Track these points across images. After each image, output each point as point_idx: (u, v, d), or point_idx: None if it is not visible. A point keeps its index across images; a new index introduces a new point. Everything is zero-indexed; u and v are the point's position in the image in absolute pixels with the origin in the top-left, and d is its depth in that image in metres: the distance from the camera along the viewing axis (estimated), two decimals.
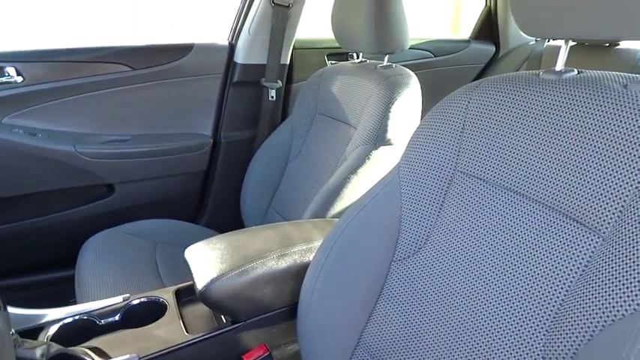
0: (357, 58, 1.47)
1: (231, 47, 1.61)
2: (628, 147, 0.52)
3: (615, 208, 0.52)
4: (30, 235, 1.43)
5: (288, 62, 1.68)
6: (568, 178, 0.57)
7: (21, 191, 1.37)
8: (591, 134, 0.56)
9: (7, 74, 1.32)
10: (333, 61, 1.82)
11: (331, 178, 1.16)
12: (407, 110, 1.18)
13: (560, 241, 0.56)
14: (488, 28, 2.24)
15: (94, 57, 1.42)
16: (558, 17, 0.59)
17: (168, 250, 1.33)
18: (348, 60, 1.83)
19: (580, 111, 0.58)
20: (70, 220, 1.46)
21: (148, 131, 1.54)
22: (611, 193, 0.53)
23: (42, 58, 1.36)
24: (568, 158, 0.57)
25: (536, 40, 2.16)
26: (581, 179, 0.56)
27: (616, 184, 0.52)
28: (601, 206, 0.53)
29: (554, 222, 0.58)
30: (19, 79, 1.33)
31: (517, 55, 2.19)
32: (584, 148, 0.56)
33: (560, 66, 0.65)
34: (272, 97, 1.62)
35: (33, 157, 1.34)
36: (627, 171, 0.52)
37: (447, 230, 0.69)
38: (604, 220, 0.53)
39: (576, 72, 0.63)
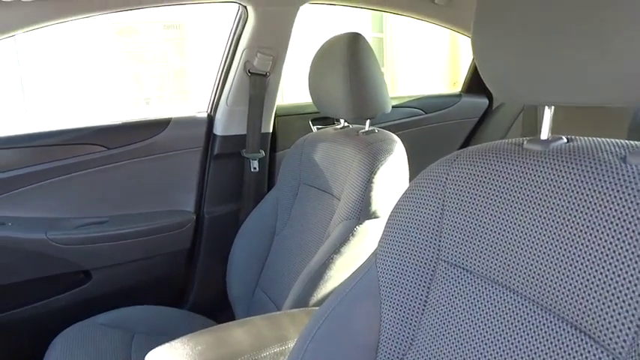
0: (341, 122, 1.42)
1: (210, 119, 1.58)
2: (632, 238, 0.43)
3: (631, 322, 0.42)
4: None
5: (270, 130, 1.64)
6: (565, 277, 0.48)
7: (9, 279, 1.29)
8: (587, 221, 0.47)
9: None
10: (318, 126, 1.77)
11: (314, 258, 1.07)
12: (391, 179, 1.10)
13: (567, 355, 0.47)
14: (478, 80, 2.20)
15: (66, 139, 1.40)
16: (535, 80, 0.52)
17: (147, 341, 1.24)
18: (333, 124, 1.78)
19: (572, 191, 0.49)
20: (44, 312, 1.38)
21: (126, 211, 1.48)
22: (623, 301, 0.42)
23: (12, 143, 1.32)
24: (562, 251, 0.49)
25: None
26: (580, 280, 0.46)
27: (628, 288, 0.42)
28: (612, 317, 0.43)
29: (556, 330, 0.48)
30: None
31: (512, 107, 2.14)
32: (580, 239, 0.47)
33: (545, 134, 0.57)
34: (255, 168, 1.56)
35: (3, 248, 1.27)
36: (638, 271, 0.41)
37: (433, 330, 0.61)
38: (618, 337, 0.43)
39: (565, 140, 0.56)
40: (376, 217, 1.09)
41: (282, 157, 1.68)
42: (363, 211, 1.08)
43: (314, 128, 1.77)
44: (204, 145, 1.56)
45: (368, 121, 1.24)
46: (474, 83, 2.20)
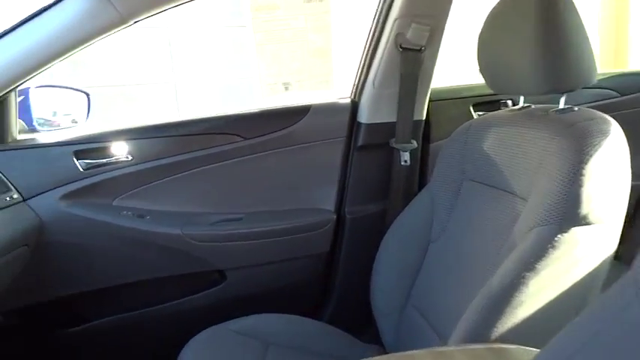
0: (515, 104, 1.11)
1: (354, 105, 1.38)
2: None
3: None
4: (130, 329, 1.30)
5: (423, 118, 1.38)
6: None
7: (124, 280, 1.26)
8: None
9: (116, 153, 1.23)
10: (480, 113, 1.47)
11: (495, 277, 0.80)
12: (609, 170, 0.79)
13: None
14: None
15: (201, 129, 1.31)
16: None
17: (283, 355, 1.12)
18: (500, 109, 1.46)
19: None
20: (176, 312, 1.31)
21: (262, 207, 1.35)
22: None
23: (150, 134, 1.28)
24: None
25: None
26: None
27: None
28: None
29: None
30: (129, 157, 1.23)
31: None
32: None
33: None
34: (405, 161, 1.33)
35: (140, 243, 1.24)
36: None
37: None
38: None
39: None
40: (588, 224, 0.78)
41: (437, 150, 1.43)
42: (568, 215, 0.78)
43: (475, 115, 1.48)
44: (346, 134, 1.37)
45: (563, 98, 0.93)
46: None
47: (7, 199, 1.10)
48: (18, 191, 1.15)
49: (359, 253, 1.38)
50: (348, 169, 1.39)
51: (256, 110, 1.37)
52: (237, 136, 1.31)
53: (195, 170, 1.30)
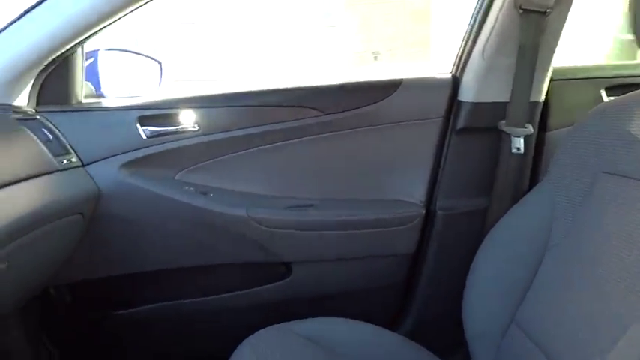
0: None
1: (455, 81, 1.17)
2: None
3: None
4: (181, 318, 1.19)
5: (542, 99, 1.14)
6: None
7: (179, 263, 1.14)
8: None
9: (182, 122, 1.11)
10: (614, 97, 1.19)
11: None
12: None
13: None
14: None
15: (275, 100, 1.16)
16: None
17: None
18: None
19: None
20: (234, 305, 1.18)
21: (337, 195, 1.18)
22: None
23: (220, 102, 1.15)
24: None
25: None
26: None
27: None
28: None
29: None
30: (195, 127, 1.11)
31: None
32: None
33: None
34: (517, 148, 1.09)
35: (200, 222, 1.11)
36: None
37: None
38: None
39: None
40: None
41: (556, 139, 1.17)
42: None
43: (606, 100, 1.20)
44: (444, 115, 1.16)
45: None
46: None
47: (65, 162, 1.01)
48: (78, 155, 1.06)
49: (450, 258, 1.17)
50: (443, 156, 1.18)
51: (338, 82, 1.19)
52: (316, 110, 1.14)
53: (266, 146, 1.15)
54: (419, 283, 1.20)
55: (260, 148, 1.15)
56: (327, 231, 1.13)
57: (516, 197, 1.04)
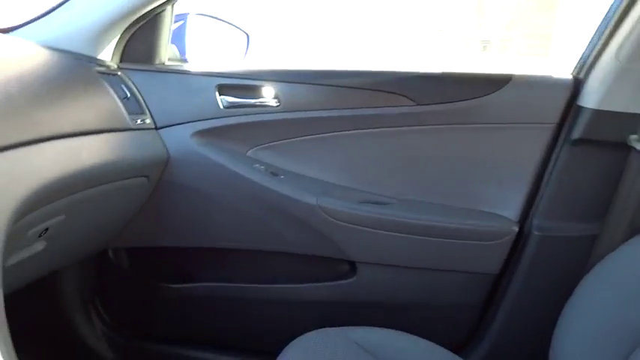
0: None
1: (577, 84, 1.00)
2: None
3: None
4: (231, 302, 1.12)
5: None
6: None
7: (239, 244, 1.08)
8: None
9: (263, 95, 1.04)
10: None
11: None
12: None
13: None
14: None
15: (367, 83, 1.05)
16: None
17: None
18: None
19: None
20: (288, 298, 1.10)
21: (418, 196, 1.06)
22: None
23: (304, 79, 1.06)
24: None
25: None
26: None
27: None
28: None
29: None
30: (275, 102, 1.03)
31: None
32: None
33: None
34: None
35: (266, 204, 1.04)
36: None
37: None
38: None
39: None
40: None
41: None
42: None
43: None
44: (558, 121, 1.00)
45: None
46: None
47: (139, 121, 0.97)
48: (152, 117, 1.02)
49: (540, 287, 1.02)
50: (549, 168, 1.01)
51: (437, 71, 1.06)
52: (407, 98, 1.03)
53: (347, 132, 1.06)
54: (499, 308, 1.05)
55: (341, 133, 1.06)
56: (402, 234, 1.01)
57: (635, 226, 0.87)
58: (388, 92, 1.04)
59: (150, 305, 1.15)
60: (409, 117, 1.04)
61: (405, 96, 1.03)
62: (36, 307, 1.12)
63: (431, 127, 1.04)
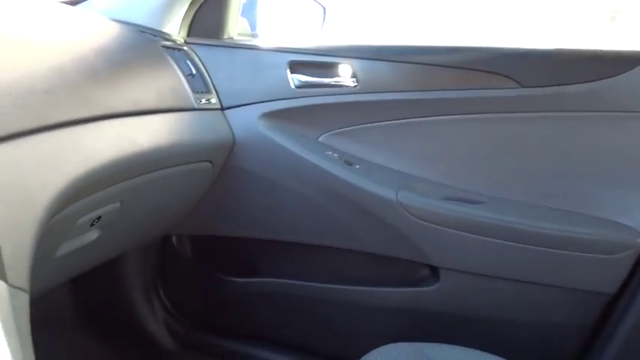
0: None
1: None
2: None
3: None
4: (297, 303, 1.03)
5: None
6: None
7: (306, 239, 0.98)
8: None
9: (338, 75, 0.92)
10: None
11: None
12: None
13: None
14: None
15: (460, 61, 0.91)
16: None
17: None
18: None
19: None
20: (362, 304, 0.99)
21: (518, 196, 0.91)
22: None
23: (386, 56, 0.93)
24: None
25: None
26: None
27: None
28: None
29: None
30: (353, 82, 0.91)
31: None
32: None
33: None
34: None
35: (337, 196, 0.93)
36: None
37: None
38: None
39: None
40: None
41: None
42: None
43: None
44: None
45: None
46: None
47: (204, 101, 0.89)
48: (218, 96, 0.94)
49: None
50: None
51: (544, 48, 0.89)
52: (509, 79, 0.87)
53: (435, 118, 0.92)
54: (615, 332, 0.88)
55: (428, 118, 0.92)
56: (496, 239, 0.86)
57: None
58: (485, 72, 0.88)
59: (211, 297, 1.09)
60: (510, 101, 0.88)
61: (506, 76, 0.87)
62: (98, 291, 1.10)
63: (537, 114, 0.88)
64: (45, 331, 1.06)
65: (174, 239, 1.08)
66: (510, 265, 0.87)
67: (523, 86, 0.87)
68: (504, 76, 0.87)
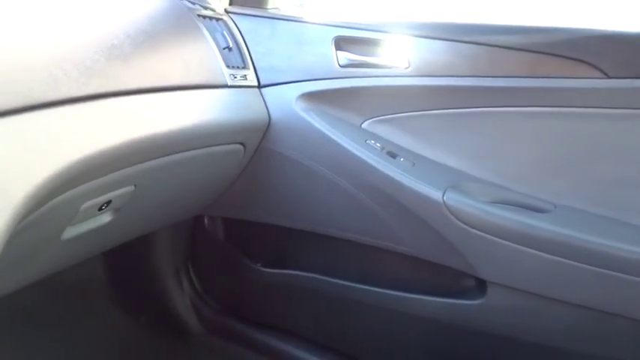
0: None
1: None
2: None
3: None
4: (329, 301, 0.97)
5: None
6: None
7: (339, 232, 0.90)
8: None
9: (390, 54, 0.82)
10: None
11: None
12: None
13: None
14: None
15: (535, 44, 0.78)
16: None
17: None
18: None
19: None
20: (398, 311, 0.91)
21: (588, 206, 0.77)
22: None
23: (445, 34, 0.82)
24: None
25: None
26: None
27: None
28: None
29: None
30: (405, 64, 0.81)
31: None
32: None
33: None
34: None
35: (377, 191, 0.83)
36: None
37: None
38: None
39: None
40: None
41: None
42: None
43: None
44: None
45: None
46: None
47: (239, 77, 0.83)
48: (255, 73, 0.87)
49: None
50: None
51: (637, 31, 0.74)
52: (594, 68, 0.73)
53: (497, 108, 0.80)
54: None
55: (489, 109, 0.80)
56: (556, 257, 0.74)
57: None
58: (565, 57, 0.75)
59: (239, 283, 1.06)
60: (593, 94, 0.75)
61: (589, 64, 0.74)
62: (129, 266, 1.09)
63: (624, 110, 0.74)
64: (79, 300, 1.08)
65: (206, 220, 1.04)
66: (570, 287, 0.75)
67: (610, 77, 0.73)
68: (587, 63, 0.73)
